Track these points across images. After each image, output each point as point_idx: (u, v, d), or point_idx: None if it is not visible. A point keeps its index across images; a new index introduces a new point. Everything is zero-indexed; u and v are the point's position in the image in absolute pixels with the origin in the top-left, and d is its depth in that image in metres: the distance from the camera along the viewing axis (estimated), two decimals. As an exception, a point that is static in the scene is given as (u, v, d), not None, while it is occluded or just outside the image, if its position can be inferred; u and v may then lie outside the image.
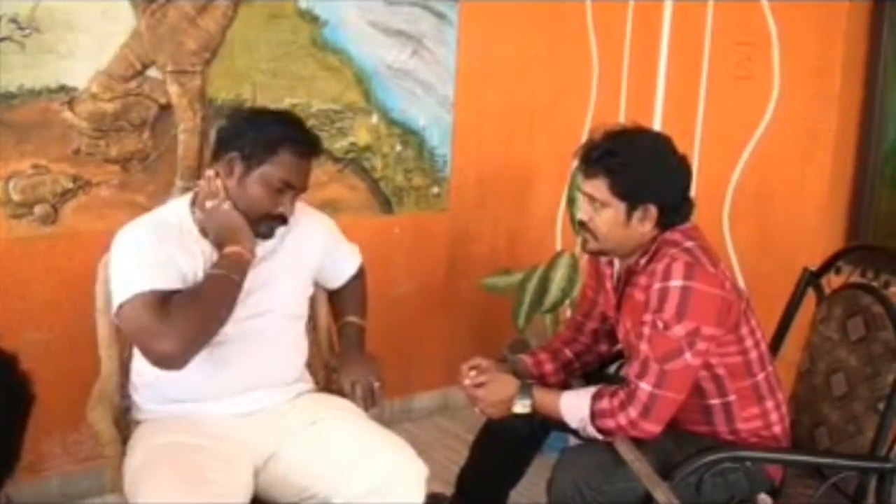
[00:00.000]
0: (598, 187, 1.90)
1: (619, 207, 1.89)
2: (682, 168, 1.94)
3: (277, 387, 1.99)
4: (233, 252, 1.83)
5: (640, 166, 1.86)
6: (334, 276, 2.19)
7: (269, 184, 1.87)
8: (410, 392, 3.38)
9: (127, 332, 1.86)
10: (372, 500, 1.77)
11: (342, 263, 2.20)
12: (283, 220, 1.92)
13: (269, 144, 1.86)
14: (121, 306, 1.79)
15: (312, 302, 2.17)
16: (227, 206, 1.87)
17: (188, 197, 1.97)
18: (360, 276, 2.24)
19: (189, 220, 1.92)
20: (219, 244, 1.87)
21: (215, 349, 1.86)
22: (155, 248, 1.83)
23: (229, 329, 1.86)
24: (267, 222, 1.91)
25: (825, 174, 2.90)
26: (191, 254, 1.87)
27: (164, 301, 1.75)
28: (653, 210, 1.88)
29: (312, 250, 2.09)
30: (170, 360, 1.74)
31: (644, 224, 1.90)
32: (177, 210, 1.95)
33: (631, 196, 1.87)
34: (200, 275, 1.85)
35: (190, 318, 1.73)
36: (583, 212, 1.96)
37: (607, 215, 1.90)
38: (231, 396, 1.92)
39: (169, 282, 1.80)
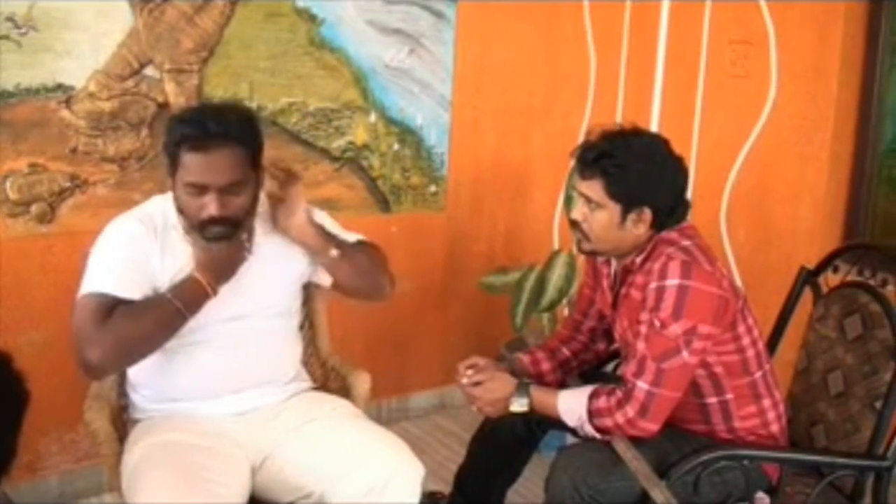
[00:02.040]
0: (594, 188, 1.89)
1: (615, 209, 1.88)
2: (679, 171, 1.93)
3: (273, 385, 1.99)
4: (195, 282, 1.80)
5: (636, 169, 1.86)
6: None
7: (185, 188, 1.79)
8: (408, 391, 3.38)
9: (72, 325, 1.81)
10: (368, 500, 1.76)
11: None
12: (214, 222, 1.79)
13: (172, 149, 1.79)
14: (80, 298, 1.79)
15: (310, 302, 2.17)
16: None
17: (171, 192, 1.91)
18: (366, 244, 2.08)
19: (174, 216, 1.87)
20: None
21: (210, 349, 1.86)
22: (128, 250, 1.82)
23: (221, 329, 1.86)
24: (207, 227, 1.80)
25: (822, 173, 2.91)
26: (171, 251, 1.86)
27: (111, 309, 1.74)
28: (647, 213, 1.88)
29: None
30: (89, 368, 1.74)
31: (638, 227, 1.90)
32: (161, 205, 1.92)
33: (627, 199, 1.87)
34: (184, 272, 1.82)
35: (123, 335, 1.72)
36: (577, 211, 1.95)
37: (602, 216, 1.90)
38: (227, 395, 1.92)
39: (127, 290, 1.77)
